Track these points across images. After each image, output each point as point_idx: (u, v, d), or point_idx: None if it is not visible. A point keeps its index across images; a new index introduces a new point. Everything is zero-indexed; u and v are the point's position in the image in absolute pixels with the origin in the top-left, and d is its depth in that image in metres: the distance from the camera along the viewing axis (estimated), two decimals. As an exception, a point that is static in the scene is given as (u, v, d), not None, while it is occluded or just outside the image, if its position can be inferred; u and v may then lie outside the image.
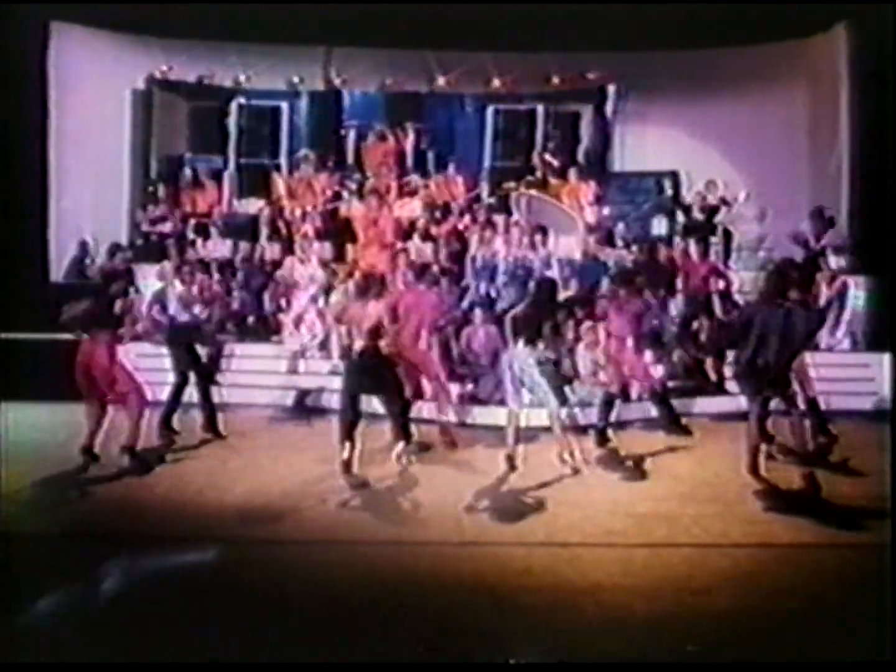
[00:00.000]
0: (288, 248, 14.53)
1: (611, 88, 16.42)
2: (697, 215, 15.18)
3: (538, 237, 13.27)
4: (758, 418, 8.90)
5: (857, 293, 13.20)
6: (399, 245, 14.20)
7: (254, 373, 12.68)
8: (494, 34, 14.91)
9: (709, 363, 11.80)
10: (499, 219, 14.44)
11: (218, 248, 14.84)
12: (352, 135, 16.64)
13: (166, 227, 15.19)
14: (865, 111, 14.30)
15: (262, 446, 10.42)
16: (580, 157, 16.84)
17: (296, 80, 16.55)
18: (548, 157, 16.30)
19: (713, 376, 11.81)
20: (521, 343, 9.35)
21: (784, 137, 15.33)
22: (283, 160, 16.79)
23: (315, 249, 14.22)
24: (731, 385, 12.09)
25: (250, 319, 13.64)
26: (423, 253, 14.35)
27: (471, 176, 16.28)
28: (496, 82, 16.44)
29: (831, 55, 15.07)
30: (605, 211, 15.72)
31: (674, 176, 16.13)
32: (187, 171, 16.10)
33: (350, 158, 16.72)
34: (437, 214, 15.34)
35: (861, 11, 13.66)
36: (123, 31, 15.31)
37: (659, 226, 15.74)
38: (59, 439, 9.88)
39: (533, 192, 15.17)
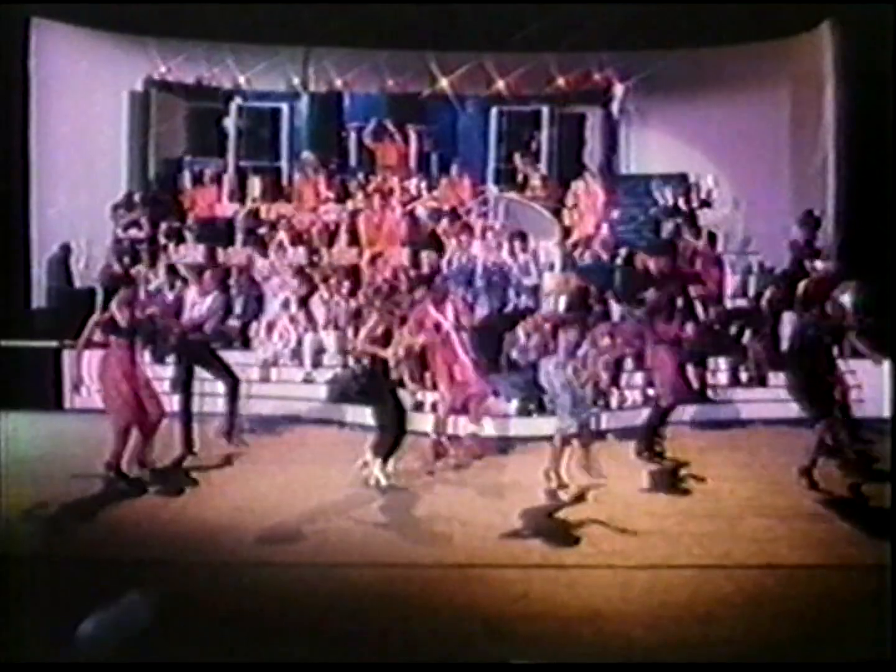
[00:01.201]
0: (263, 253, 14.27)
1: (618, 89, 16.12)
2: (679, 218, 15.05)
3: (517, 244, 13.01)
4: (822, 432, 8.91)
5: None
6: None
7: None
8: (497, 34, 14.66)
9: (690, 370, 11.65)
10: (476, 223, 14.26)
11: (191, 252, 14.51)
12: (353, 136, 16.34)
13: (140, 233, 14.80)
14: (851, 109, 14.15)
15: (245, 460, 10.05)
16: (586, 159, 16.55)
17: (296, 81, 16.32)
18: (522, 160, 16.09)
19: (695, 384, 11.66)
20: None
21: (770, 136, 15.19)
22: (283, 163, 16.57)
23: (289, 255, 14.00)
24: (711, 393, 12.12)
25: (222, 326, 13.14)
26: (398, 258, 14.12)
27: (475, 178, 15.99)
28: (500, 83, 16.18)
29: (816, 53, 14.87)
30: (615, 214, 15.48)
31: (683, 178, 15.82)
32: (186, 174, 15.84)
33: (353, 160, 16.46)
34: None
35: (845, 10, 13.56)
36: (121, 32, 15.13)
37: (668, 229, 15.42)
38: (38, 451, 9.57)
39: (513, 194, 14.95)
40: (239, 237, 14.93)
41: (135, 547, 7.41)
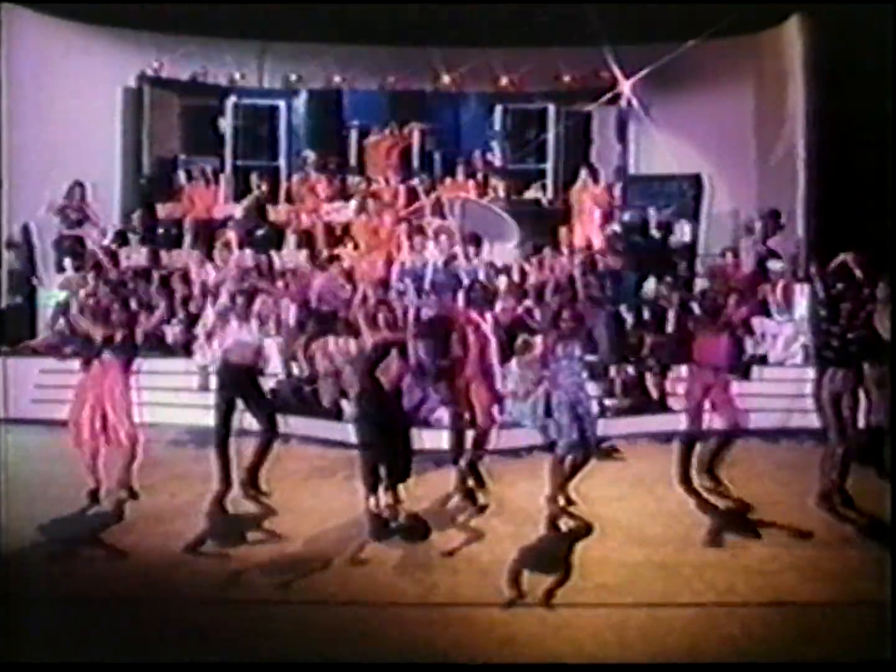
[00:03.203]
0: (208, 256, 13.74)
1: (625, 86, 15.61)
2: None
3: (471, 248, 12.57)
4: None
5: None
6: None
7: (162, 390, 11.27)
8: (502, 29, 14.29)
9: (650, 379, 11.21)
10: (430, 224, 13.79)
11: (133, 255, 13.98)
12: (353, 135, 15.88)
13: (92, 232, 14.21)
14: (821, 104, 13.90)
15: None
16: (593, 158, 16.04)
17: (294, 78, 15.85)
18: (489, 156, 15.71)
19: (654, 393, 11.22)
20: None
21: (741, 132, 14.89)
22: (281, 162, 16.08)
23: (235, 258, 13.45)
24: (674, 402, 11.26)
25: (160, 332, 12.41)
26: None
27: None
28: (504, 80, 15.69)
29: (785, 47, 14.53)
30: (626, 216, 15.00)
31: (696, 179, 15.32)
32: (181, 174, 15.38)
33: (353, 160, 16.00)
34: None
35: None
36: (113, 26, 14.70)
37: (681, 231, 14.93)
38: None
39: (470, 195, 14.49)
40: (187, 239, 14.45)
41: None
